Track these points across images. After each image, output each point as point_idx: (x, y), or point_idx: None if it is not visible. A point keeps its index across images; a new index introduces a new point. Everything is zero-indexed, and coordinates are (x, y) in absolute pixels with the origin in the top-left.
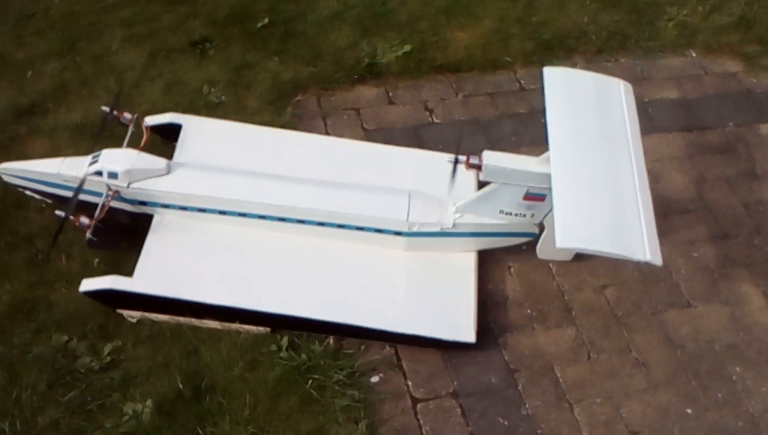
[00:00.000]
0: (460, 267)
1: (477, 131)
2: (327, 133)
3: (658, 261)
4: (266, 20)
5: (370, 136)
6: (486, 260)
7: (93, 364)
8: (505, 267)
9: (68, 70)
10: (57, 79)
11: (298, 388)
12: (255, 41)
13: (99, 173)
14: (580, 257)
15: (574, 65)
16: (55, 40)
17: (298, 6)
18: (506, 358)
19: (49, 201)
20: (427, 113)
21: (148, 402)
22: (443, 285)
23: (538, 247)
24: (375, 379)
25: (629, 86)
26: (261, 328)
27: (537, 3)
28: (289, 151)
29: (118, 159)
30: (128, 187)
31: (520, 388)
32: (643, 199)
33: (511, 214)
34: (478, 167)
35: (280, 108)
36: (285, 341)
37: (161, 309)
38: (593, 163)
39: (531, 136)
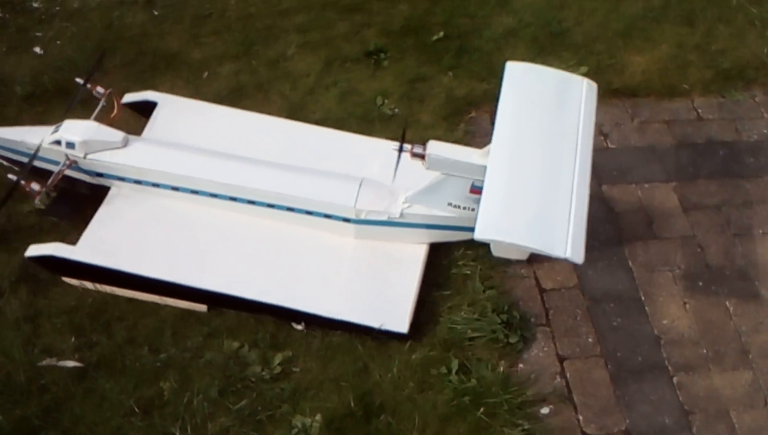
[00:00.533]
0: (407, 258)
1: (652, 159)
2: None
3: (578, 259)
4: (441, 34)
5: None
6: (660, 294)
7: (264, 373)
8: (681, 303)
9: (244, 72)
10: (233, 81)
11: (468, 414)
12: (429, 54)
13: (58, 142)
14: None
15: (752, 97)
16: (231, 42)
17: (473, 21)
18: (681, 398)
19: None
20: (602, 138)
21: (318, 417)
22: (386, 275)
23: (492, 246)
24: (545, 410)
25: (593, 85)
26: (198, 305)
27: (716, 31)
28: (259, 135)
29: (78, 130)
30: (85, 157)
31: (694, 431)
32: (579, 196)
33: (459, 207)
34: (422, 157)
35: (453, 124)
36: (455, 364)
37: (102, 279)
38: (533, 158)
39: (709, 167)
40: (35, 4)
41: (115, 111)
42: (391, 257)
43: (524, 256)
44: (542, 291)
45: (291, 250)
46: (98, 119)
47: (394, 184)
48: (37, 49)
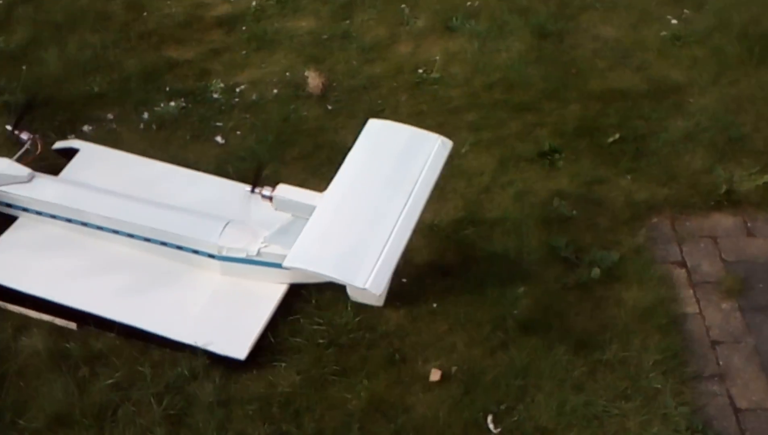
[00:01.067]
0: (264, 295)
1: None
2: (683, 261)
3: (376, 290)
4: (617, 136)
5: (729, 267)
6: None
7: None
8: None
9: None
10: None
11: None
12: (605, 156)
13: None
14: None
15: None
16: None
17: (648, 123)
18: None
19: None
20: None
21: None
22: (240, 308)
23: (348, 289)
24: None
25: (448, 143)
26: (69, 322)
27: None
28: (155, 181)
29: None
30: None
31: None
32: (397, 239)
33: None
34: (270, 199)
35: (634, 229)
36: None
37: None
38: (360, 202)
39: None
40: (215, 95)
41: (39, 151)
42: (247, 294)
43: (379, 302)
44: (737, 410)
45: (159, 280)
46: (23, 160)
47: (258, 226)
48: (219, 139)
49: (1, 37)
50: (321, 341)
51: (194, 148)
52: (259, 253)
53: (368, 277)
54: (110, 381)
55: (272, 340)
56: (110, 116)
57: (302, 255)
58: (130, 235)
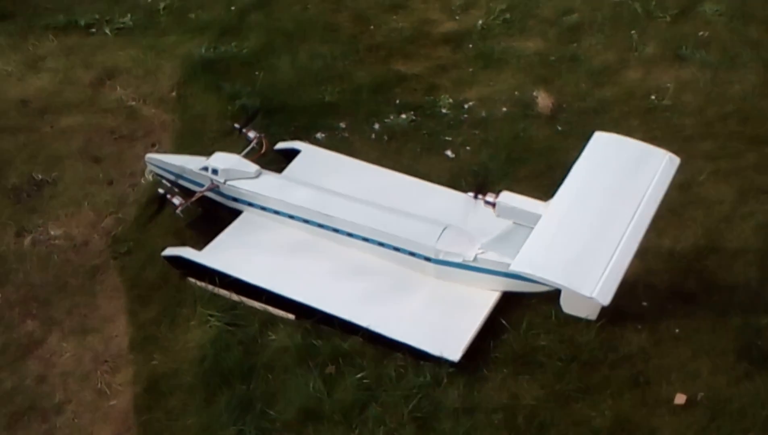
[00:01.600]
0: (477, 301)
1: None
2: None
3: (603, 300)
4: None
5: None
6: None
7: None
8: None
9: None
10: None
11: None
12: None
13: (206, 169)
14: None
15: None
16: None
17: None
18: None
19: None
20: None
21: None
22: (454, 312)
23: (561, 299)
24: None
25: (676, 160)
26: (287, 313)
27: None
28: (375, 184)
29: (223, 160)
30: (225, 183)
31: None
32: (624, 251)
33: None
34: (493, 205)
35: None
36: None
37: (216, 282)
38: (587, 214)
39: None
40: (444, 110)
41: (263, 149)
42: (461, 298)
43: (594, 315)
44: None
45: (374, 279)
46: (248, 157)
47: (476, 233)
48: (449, 153)
49: (234, 42)
50: (563, 357)
51: (425, 161)
52: (475, 259)
53: (595, 286)
54: (357, 380)
55: (515, 350)
56: (342, 125)
57: (528, 261)
58: (349, 234)
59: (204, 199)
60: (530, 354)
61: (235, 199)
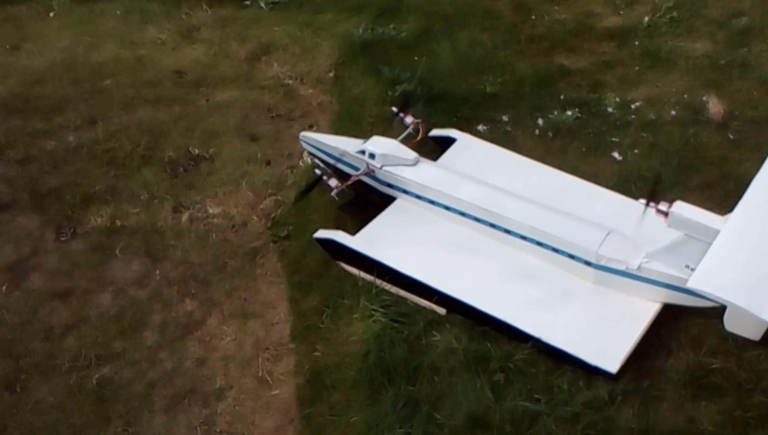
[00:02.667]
0: (637, 312)
1: None
2: None
3: None
4: None
5: None
6: None
7: None
8: None
9: None
10: None
11: None
12: None
13: (362, 152)
14: None
15: None
16: None
17: None
18: None
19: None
20: None
21: None
22: (612, 320)
23: (725, 317)
24: None
25: None
26: (438, 307)
27: None
28: (533, 179)
29: (381, 144)
30: (381, 168)
31: None
32: None
33: (695, 271)
34: (665, 214)
35: None
36: None
37: (367, 269)
38: None
39: None
40: (610, 109)
41: (420, 135)
42: (620, 307)
43: (757, 336)
44: None
45: (532, 279)
46: (405, 143)
47: (640, 240)
48: (616, 154)
49: (392, 24)
50: (744, 384)
51: (590, 161)
52: (639, 268)
53: None
54: (527, 390)
55: (691, 370)
56: (505, 118)
57: (707, 279)
58: (507, 231)
59: (357, 183)
60: (707, 376)
61: (390, 186)
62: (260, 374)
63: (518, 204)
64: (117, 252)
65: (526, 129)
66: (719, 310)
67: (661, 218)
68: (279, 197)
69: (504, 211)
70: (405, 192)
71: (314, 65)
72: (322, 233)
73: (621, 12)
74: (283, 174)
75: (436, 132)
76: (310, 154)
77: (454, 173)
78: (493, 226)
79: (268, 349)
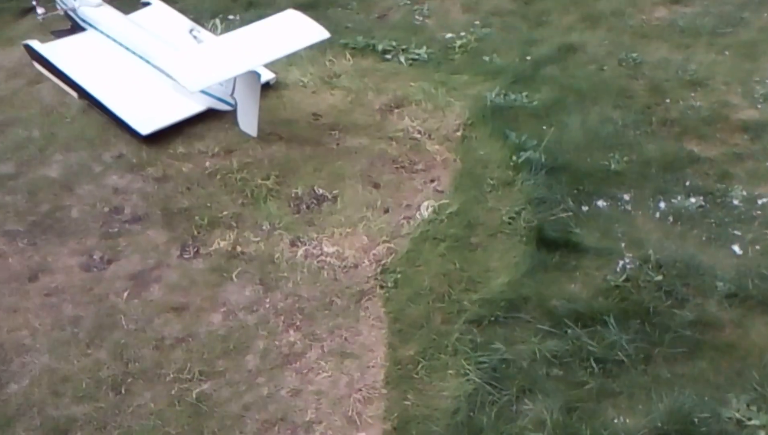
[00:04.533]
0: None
1: None
2: None
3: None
4: None
5: None
6: None
7: None
8: None
9: None
10: None
11: None
12: None
13: None
14: None
15: None
16: None
17: None
18: None
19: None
20: None
21: None
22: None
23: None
24: None
25: None
26: (72, 92)
27: None
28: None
29: None
30: (78, 7)
31: None
32: None
33: None
34: None
35: None
36: None
37: (44, 66)
38: None
39: None
40: (736, 202)
41: None
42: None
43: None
44: None
45: (137, 75)
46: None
47: None
48: (736, 248)
49: (526, 92)
50: None
51: (709, 252)
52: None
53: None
54: None
55: None
56: (626, 197)
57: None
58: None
59: (71, 20)
60: None
61: (83, 21)
62: (350, 414)
63: (145, 36)
64: (233, 276)
65: (646, 210)
66: None
67: None
68: (392, 245)
69: (126, 36)
70: (86, 23)
71: (444, 123)
72: (28, 41)
73: (759, 106)
74: (399, 223)
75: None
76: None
77: (115, 13)
78: (128, 49)
79: (360, 390)
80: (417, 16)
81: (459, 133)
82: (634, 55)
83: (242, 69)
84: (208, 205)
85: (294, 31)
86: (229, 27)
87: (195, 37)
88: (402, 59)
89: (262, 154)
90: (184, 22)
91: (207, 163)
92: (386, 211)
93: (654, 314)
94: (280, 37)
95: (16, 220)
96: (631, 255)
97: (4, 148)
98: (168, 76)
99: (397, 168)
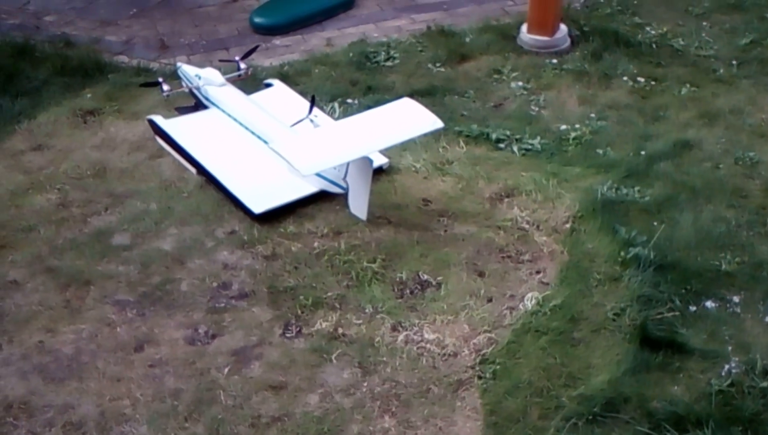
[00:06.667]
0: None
1: None
2: None
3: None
4: None
5: None
6: None
7: None
8: None
9: None
10: None
11: None
12: None
13: (198, 76)
14: None
15: None
16: None
17: None
18: None
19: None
20: None
21: None
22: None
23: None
24: None
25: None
26: (191, 168)
27: None
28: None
29: (207, 72)
30: (202, 86)
31: None
32: None
33: None
34: None
35: None
36: None
37: (166, 141)
38: None
39: None
40: None
41: (243, 77)
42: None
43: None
44: None
45: (253, 157)
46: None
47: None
48: None
49: (638, 187)
50: None
51: None
52: None
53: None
54: None
55: None
56: (735, 299)
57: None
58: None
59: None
60: None
61: (207, 99)
62: None
63: (264, 118)
64: (333, 357)
65: (756, 314)
66: None
67: None
68: (493, 335)
69: (246, 116)
70: (209, 101)
71: (553, 214)
72: (152, 116)
73: None
74: (501, 313)
75: (266, 81)
76: (181, 78)
77: (238, 93)
78: (246, 128)
79: None
80: (533, 107)
81: (568, 226)
82: (752, 154)
83: (355, 155)
84: (314, 285)
85: (408, 120)
86: (347, 110)
87: (312, 121)
88: (515, 149)
89: (370, 237)
90: (304, 105)
91: (315, 244)
92: (489, 300)
93: (757, 422)
94: (395, 125)
95: (127, 290)
96: (737, 359)
97: (122, 220)
98: (283, 158)
99: (503, 257)
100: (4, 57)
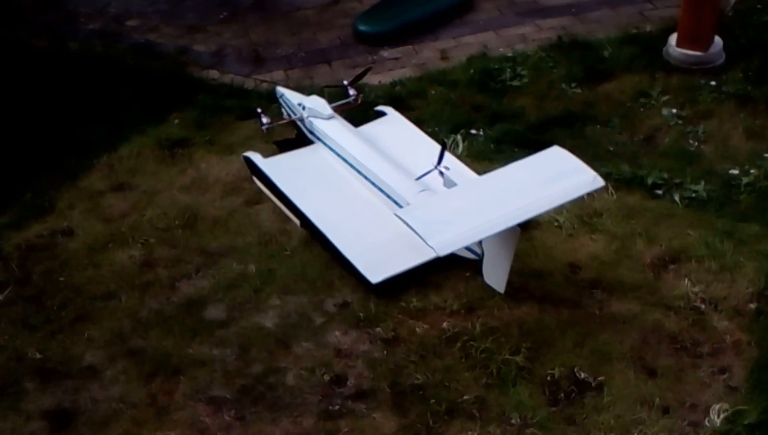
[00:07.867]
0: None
1: None
2: None
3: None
4: None
5: None
6: None
7: None
8: None
9: None
10: None
11: None
12: None
13: (300, 104)
14: None
15: None
16: None
17: None
18: None
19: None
20: None
21: None
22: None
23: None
24: None
25: None
26: (295, 219)
27: None
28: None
29: (313, 101)
30: (306, 117)
31: None
32: None
33: None
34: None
35: None
36: None
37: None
38: None
39: None
40: None
41: (354, 105)
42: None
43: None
44: None
45: (371, 218)
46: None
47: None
48: None
49: None
50: None
51: None
52: None
53: None
54: None
55: None
56: None
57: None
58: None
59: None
60: None
61: (311, 132)
62: None
63: (381, 162)
64: None
65: None
66: None
67: None
68: None
69: (361, 160)
70: (314, 136)
71: (732, 289)
72: (247, 153)
73: None
74: (683, 430)
75: (377, 108)
76: (280, 105)
77: (347, 128)
78: (360, 173)
79: None
80: (690, 141)
81: (753, 306)
82: None
83: (500, 227)
84: (446, 383)
85: (561, 176)
86: (472, 144)
87: (442, 173)
88: (676, 197)
89: (510, 317)
90: (423, 141)
91: (444, 324)
92: (665, 411)
93: None
94: (546, 185)
95: (223, 382)
96: None
97: (217, 286)
98: (412, 230)
99: (676, 349)
100: (81, 70)
